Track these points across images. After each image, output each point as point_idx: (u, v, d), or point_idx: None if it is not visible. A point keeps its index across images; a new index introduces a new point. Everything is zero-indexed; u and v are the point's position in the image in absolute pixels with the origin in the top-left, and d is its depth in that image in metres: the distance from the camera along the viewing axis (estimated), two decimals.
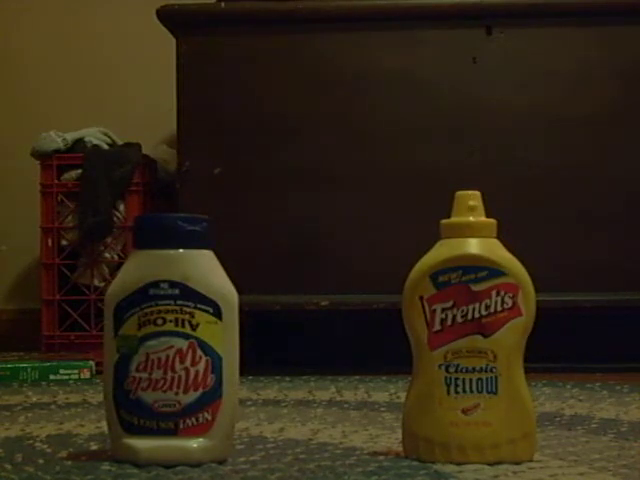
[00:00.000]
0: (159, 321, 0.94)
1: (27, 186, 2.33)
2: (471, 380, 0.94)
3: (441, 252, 0.96)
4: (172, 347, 0.94)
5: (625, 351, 1.99)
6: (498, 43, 1.92)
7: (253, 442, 1.08)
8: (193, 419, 0.94)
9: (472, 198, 0.97)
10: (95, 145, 2.19)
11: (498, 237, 0.98)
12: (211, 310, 0.95)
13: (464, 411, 0.94)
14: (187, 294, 0.94)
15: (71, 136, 2.20)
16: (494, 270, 0.95)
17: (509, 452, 0.94)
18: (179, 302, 0.94)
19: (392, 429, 1.16)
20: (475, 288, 0.94)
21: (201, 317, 0.94)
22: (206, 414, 0.94)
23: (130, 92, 2.49)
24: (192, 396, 0.94)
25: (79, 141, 2.20)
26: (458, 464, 0.93)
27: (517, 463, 0.94)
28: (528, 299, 0.95)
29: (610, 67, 1.92)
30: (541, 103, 1.92)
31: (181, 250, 0.96)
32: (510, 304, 0.95)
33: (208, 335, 0.94)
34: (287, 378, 1.78)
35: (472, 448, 0.94)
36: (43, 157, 2.17)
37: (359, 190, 1.93)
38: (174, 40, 1.97)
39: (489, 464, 0.93)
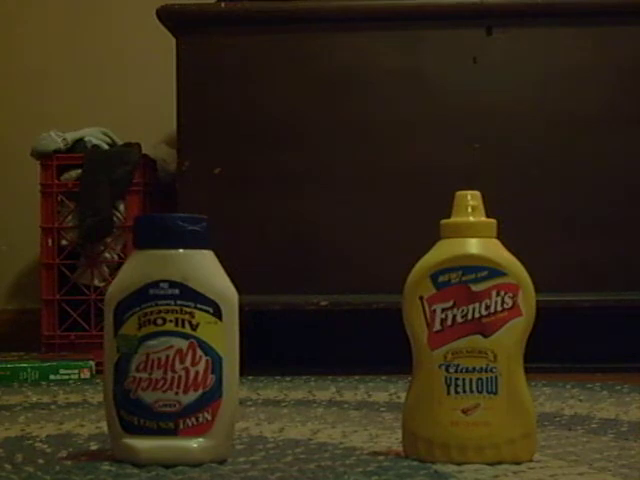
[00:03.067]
0: (159, 321, 0.94)
1: (27, 186, 2.33)
2: (471, 380, 0.94)
3: (441, 252, 0.96)
4: (172, 347, 0.94)
5: (625, 351, 1.99)
6: (498, 43, 1.92)
7: (253, 442, 1.08)
8: (193, 419, 0.94)
9: (472, 198, 0.97)
10: (95, 145, 2.19)
11: (498, 237, 0.98)
12: (211, 310, 0.95)
13: (464, 411, 0.94)
14: (187, 294, 0.94)
15: (71, 136, 2.20)
16: (494, 270, 0.95)
17: (509, 452, 0.94)
18: (179, 302, 0.94)
19: (392, 429, 1.16)
20: (475, 288, 0.94)
21: (201, 317, 0.94)
22: (206, 414, 0.94)
23: (130, 92, 2.49)
24: (192, 396, 0.94)
25: (79, 141, 2.20)
26: (458, 464, 0.93)
27: (517, 463, 0.94)
28: (528, 299, 0.95)
29: (610, 67, 1.92)
30: (541, 103, 1.92)
31: (181, 250, 0.95)
32: (510, 304, 0.95)
33: (208, 335, 0.94)
34: (287, 378, 1.78)
35: (472, 448, 0.94)
36: (43, 157, 2.17)
37: (359, 190, 1.93)
38: (174, 40, 1.97)
39: (489, 464, 0.93)
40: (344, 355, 2.09)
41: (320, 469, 0.92)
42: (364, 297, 1.90)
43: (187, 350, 0.94)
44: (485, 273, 0.94)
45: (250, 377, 1.78)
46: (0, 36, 2.55)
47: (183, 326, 0.94)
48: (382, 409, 1.37)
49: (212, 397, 0.94)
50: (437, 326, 0.95)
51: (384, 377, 1.77)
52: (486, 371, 0.94)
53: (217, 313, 0.95)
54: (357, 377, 1.78)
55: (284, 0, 1.95)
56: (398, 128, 1.93)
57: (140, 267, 0.96)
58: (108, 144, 2.23)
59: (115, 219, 2.13)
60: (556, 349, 1.97)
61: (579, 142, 1.92)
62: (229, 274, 0.98)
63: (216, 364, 0.94)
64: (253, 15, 1.95)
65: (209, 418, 0.94)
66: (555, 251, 1.90)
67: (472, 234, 0.96)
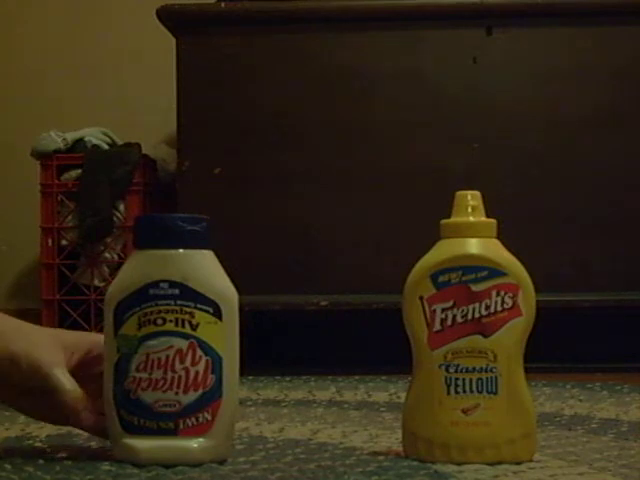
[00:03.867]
0: (159, 321, 0.94)
1: (27, 186, 2.33)
2: (471, 380, 0.94)
3: (441, 252, 0.96)
4: (172, 347, 0.94)
5: (625, 351, 1.99)
6: (498, 43, 1.92)
7: (253, 442, 1.08)
8: (193, 419, 0.94)
9: (472, 198, 0.97)
10: (95, 145, 2.19)
11: (498, 237, 0.98)
12: (211, 310, 0.95)
13: (464, 411, 0.94)
14: (187, 294, 0.94)
15: (71, 136, 2.20)
16: (494, 270, 0.94)
17: (509, 452, 0.94)
18: (179, 302, 0.94)
19: (392, 429, 1.16)
20: (475, 288, 0.94)
21: (201, 317, 0.94)
22: (206, 414, 0.94)
23: (130, 92, 2.49)
24: (192, 396, 0.94)
25: (79, 141, 2.20)
26: (458, 464, 0.93)
27: (517, 463, 0.93)
28: (528, 299, 0.95)
29: (610, 67, 1.92)
30: (541, 103, 1.92)
31: (181, 250, 0.95)
32: (510, 304, 0.94)
33: (208, 335, 0.94)
34: (287, 378, 1.78)
35: (472, 448, 0.94)
36: (43, 157, 2.17)
37: (359, 190, 1.93)
38: (174, 40, 1.97)
39: (489, 464, 0.93)
40: (344, 355, 2.09)
41: (320, 469, 0.92)
42: (364, 297, 1.90)
43: (187, 350, 0.94)
44: (485, 273, 0.94)
45: (250, 377, 1.78)
46: (0, 36, 2.55)
47: (183, 326, 0.94)
48: (382, 409, 1.36)
49: (212, 397, 0.94)
50: (437, 326, 0.95)
51: (384, 377, 1.77)
52: (486, 371, 0.94)
53: (217, 313, 0.95)
54: (357, 377, 1.78)
55: (284, 0, 1.95)
56: (398, 128, 1.93)
57: (140, 267, 0.96)
58: (108, 144, 2.23)
59: (115, 219, 2.13)
60: (556, 349, 1.97)
61: (579, 142, 1.92)
62: (229, 274, 0.98)
63: (216, 364, 0.94)
64: (253, 15, 1.95)
65: (209, 418, 0.94)
66: (555, 251, 1.90)
67: (472, 234, 0.96)
